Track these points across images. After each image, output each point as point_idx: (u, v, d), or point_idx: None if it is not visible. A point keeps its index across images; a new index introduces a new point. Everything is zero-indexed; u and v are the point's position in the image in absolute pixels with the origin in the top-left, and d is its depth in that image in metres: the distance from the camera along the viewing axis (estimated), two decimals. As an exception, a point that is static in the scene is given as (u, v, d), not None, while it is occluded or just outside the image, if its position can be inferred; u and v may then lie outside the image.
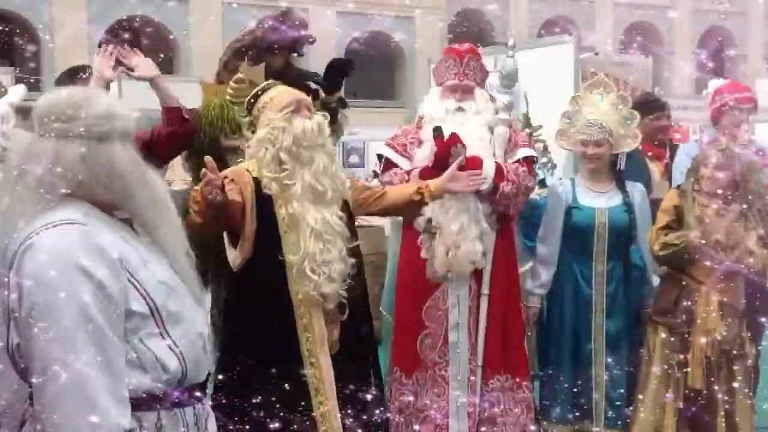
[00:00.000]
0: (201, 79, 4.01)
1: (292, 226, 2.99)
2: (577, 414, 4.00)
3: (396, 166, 3.94)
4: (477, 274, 3.84)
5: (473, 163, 3.69)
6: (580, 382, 3.99)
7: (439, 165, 3.64)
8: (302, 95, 3.21)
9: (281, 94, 3.16)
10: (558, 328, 4.11)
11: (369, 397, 3.09)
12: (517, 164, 3.89)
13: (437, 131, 3.71)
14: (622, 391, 4.00)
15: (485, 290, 3.86)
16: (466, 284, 3.83)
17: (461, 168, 3.53)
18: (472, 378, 3.84)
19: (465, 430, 3.80)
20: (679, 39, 32.68)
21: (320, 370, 3.01)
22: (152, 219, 1.84)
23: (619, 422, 3.98)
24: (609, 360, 3.99)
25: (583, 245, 4.04)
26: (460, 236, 3.72)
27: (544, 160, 5.56)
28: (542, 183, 4.73)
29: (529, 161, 3.99)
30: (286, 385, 2.90)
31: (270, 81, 3.31)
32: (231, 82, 3.73)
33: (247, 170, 3.07)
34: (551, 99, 5.56)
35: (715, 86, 4.74)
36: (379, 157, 4.17)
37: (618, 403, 3.99)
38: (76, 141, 1.75)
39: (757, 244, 3.70)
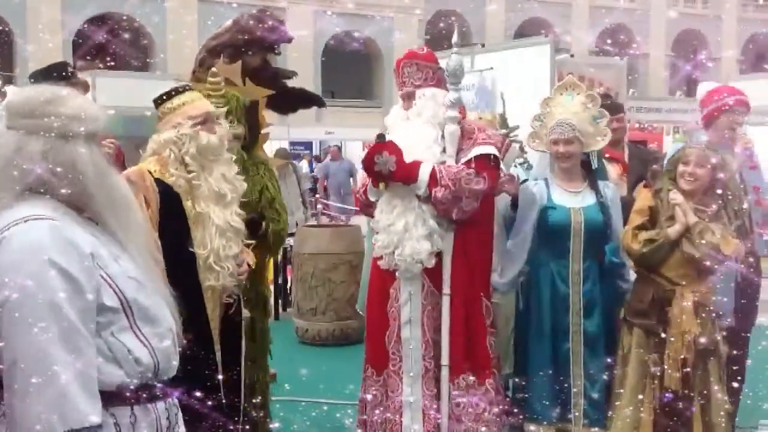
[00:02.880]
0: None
1: (198, 223, 3.25)
2: (557, 413, 4.01)
3: None
4: (434, 272, 3.85)
5: (407, 169, 3.74)
6: (559, 382, 4.01)
7: (369, 173, 3.85)
8: (211, 108, 3.43)
9: (194, 102, 3.37)
10: (536, 328, 4.11)
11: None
12: (463, 166, 3.80)
13: (380, 139, 3.85)
14: (601, 389, 4.01)
15: (446, 290, 3.86)
16: (417, 281, 3.85)
17: (390, 175, 3.75)
18: (429, 376, 3.87)
19: (419, 429, 3.82)
20: (654, 42, 32.99)
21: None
22: (111, 221, 1.86)
23: (598, 420, 4.00)
24: (587, 359, 4.01)
25: (560, 245, 4.06)
26: (406, 235, 3.77)
27: (520, 160, 5.58)
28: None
29: (485, 159, 3.86)
30: (200, 363, 3.10)
31: (185, 84, 3.54)
32: (208, 77, 3.86)
33: (149, 171, 3.24)
34: (528, 100, 5.59)
35: (707, 89, 4.62)
36: None
37: (597, 401, 4.01)
38: (41, 137, 1.78)
39: None
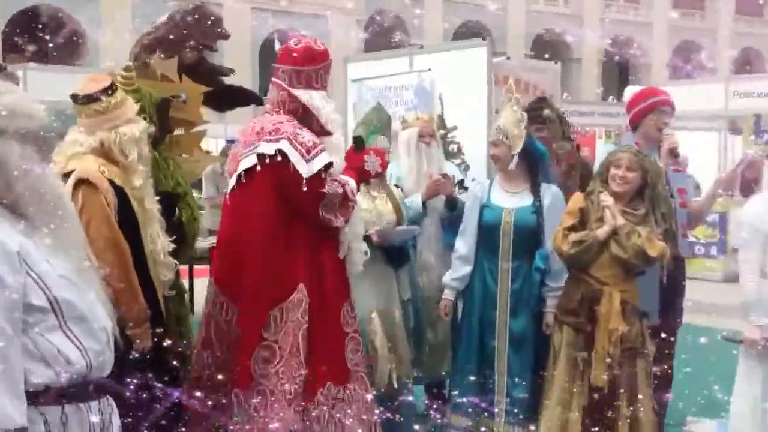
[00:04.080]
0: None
1: (146, 221, 3.30)
2: (481, 408, 4.07)
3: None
4: None
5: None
6: (484, 377, 4.10)
7: (362, 174, 3.92)
8: None
9: (130, 100, 3.37)
10: (466, 323, 4.23)
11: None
12: None
13: (359, 143, 3.99)
14: (525, 389, 4.08)
15: None
16: None
17: (375, 176, 4.02)
18: None
19: None
20: (587, 47, 33.68)
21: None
22: (41, 220, 1.82)
23: (519, 419, 4.07)
24: (511, 357, 4.10)
25: (491, 243, 4.15)
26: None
27: (458, 161, 5.64)
28: (461, 183, 4.82)
29: None
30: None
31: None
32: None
33: (100, 172, 3.18)
34: (465, 101, 5.65)
35: (632, 92, 4.70)
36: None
37: (519, 401, 4.07)
38: None
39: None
